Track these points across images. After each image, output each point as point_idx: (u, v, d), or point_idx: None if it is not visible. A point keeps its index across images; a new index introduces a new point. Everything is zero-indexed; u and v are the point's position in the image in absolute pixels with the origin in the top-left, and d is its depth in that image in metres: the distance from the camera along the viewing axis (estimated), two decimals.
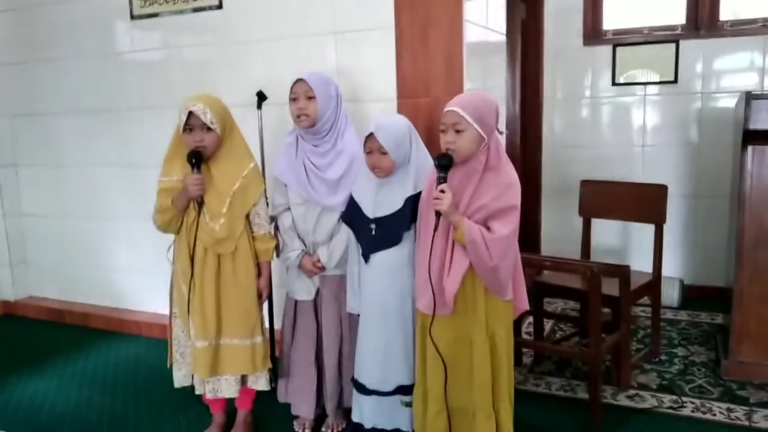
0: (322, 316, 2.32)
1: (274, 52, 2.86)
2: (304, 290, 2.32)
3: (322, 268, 2.26)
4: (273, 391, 2.37)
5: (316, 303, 2.34)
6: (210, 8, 3.00)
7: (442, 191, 1.81)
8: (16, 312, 3.88)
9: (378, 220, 2.07)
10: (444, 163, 1.83)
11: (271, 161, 2.38)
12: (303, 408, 2.37)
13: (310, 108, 2.18)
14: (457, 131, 1.82)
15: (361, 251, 2.13)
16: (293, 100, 2.20)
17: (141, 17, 3.20)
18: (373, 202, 2.08)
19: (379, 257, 2.08)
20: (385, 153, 2.00)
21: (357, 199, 2.13)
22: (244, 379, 2.27)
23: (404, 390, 2.12)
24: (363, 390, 2.16)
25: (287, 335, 2.39)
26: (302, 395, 2.36)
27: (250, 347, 2.21)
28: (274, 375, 2.38)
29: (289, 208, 2.30)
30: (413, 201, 2.02)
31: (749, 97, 2.59)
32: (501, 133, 1.93)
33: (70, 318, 3.70)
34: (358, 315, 2.20)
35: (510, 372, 1.99)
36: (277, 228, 2.34)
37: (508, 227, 1.81)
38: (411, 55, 2.51)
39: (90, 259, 3.69)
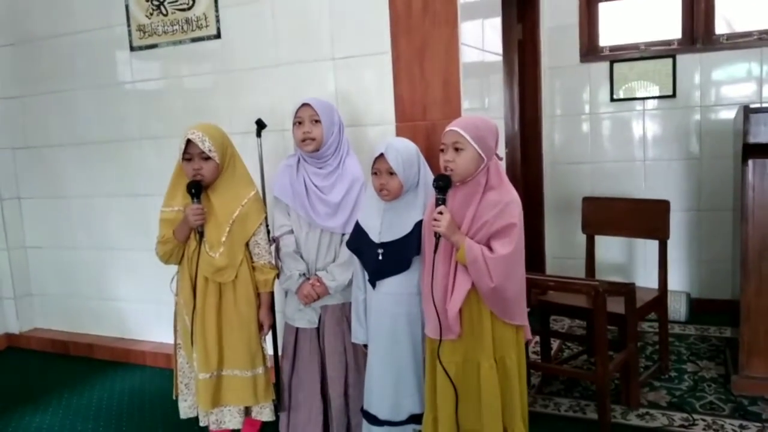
0: (325, 345, 2.27)
1: (272, 79, 2.88)
2: (305, 319, 2.28)
3: (322, 293, 2.20)
4: (278, 421, 2.33)
5: (318, 331, 2.29)
6: (208, 38, 3.03)
7: (441, 213, 1.81)
8: (21, 344, 3.87)
9: (385, 245, 2.04)
10: (442, 184, 1.84)
11: (270, 181, 2.36)
12: None
13: (315, 132, 2.18)
14: (457, 149, 1.83)
15: (367, 278, 2.10)
16: (298, 123, 2.20)
17: (140, 48, 3.24)
18: (379, 227, 2.06)
19: (387, 283, 2.05)
20: (392, 173, 1.99)
21: (363, 224, 2.11)
22: (248, 410, 2.25)
23: (417, 419, 2.07)
24: (374, 421, 2.11)
25: (287, 365, 2.32)
26: (309, 428, 2.28)
27: (251, 378, 2.19)
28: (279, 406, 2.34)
29: (292, 230, 2.27)
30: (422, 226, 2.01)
31: (747, 111, 2.59)
32: (500, 159, 1.92)
33: (75, 349, 3.69)
34: (364, 345, 2.17)
35: (523, 394, 1.98)
36: (277, 250, 2.29)
37: (508, 247, 1.80)
38: (408, 79, 2.52)
39: (94, 290, 3.68)
